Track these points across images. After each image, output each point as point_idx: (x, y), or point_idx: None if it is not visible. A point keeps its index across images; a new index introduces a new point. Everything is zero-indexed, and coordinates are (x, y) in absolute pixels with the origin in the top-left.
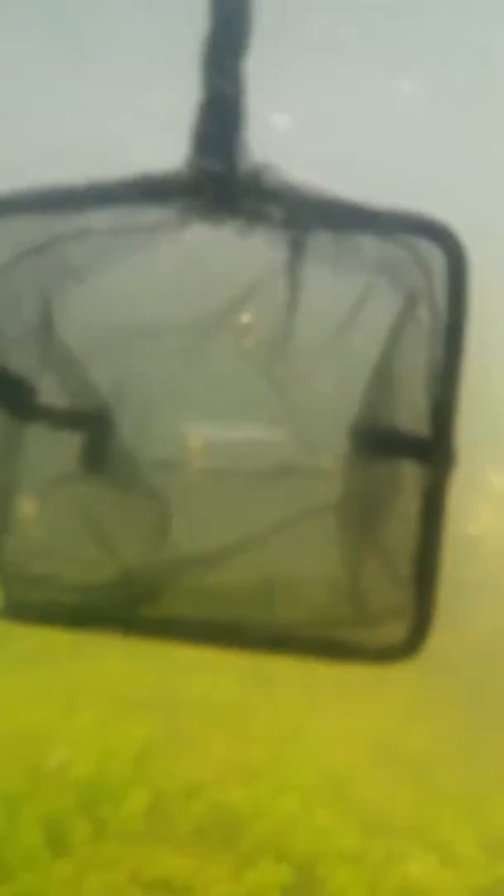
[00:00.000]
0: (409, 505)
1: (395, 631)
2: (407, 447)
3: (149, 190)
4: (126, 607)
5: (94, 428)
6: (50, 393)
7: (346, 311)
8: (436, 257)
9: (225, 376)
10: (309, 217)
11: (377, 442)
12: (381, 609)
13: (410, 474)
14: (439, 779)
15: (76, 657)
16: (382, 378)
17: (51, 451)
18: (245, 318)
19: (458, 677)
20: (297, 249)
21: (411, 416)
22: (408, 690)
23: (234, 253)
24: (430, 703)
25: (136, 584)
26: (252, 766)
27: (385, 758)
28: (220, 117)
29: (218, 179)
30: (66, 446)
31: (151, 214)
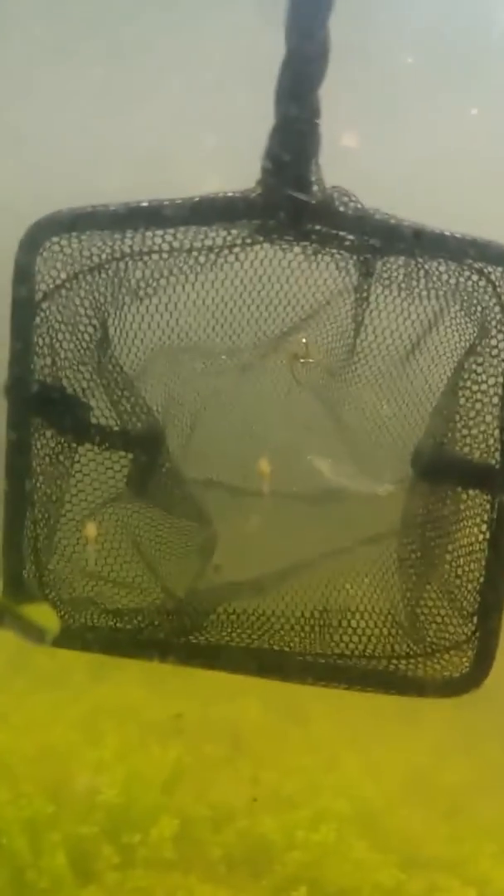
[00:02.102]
0: (473, 535)
1: (457, 664)
2: (475, 476)
3: (218, 211)
4: (171, 633)
5: (144, 449)
6: (102, 413)
7: (413, 336)
8: None
9: (280, 398)
10: (380, 242)
11: (443, 469)
12: (441, 641)
13: (475, 503)
14: (478, 813)
15: (96, 680)
16: (450, 405)
17: (101, 471)
18: (304, 339)
19: (496, 710)
20: (366, 273)
21: (480, 445)
22: (444, 722)
23: (301, 275)
24: (467, 736)
25: (181, 610)
26: (283, 796)
27: (422, 791)
28: (295, 142)
29: (289, 202)
30: (116, 466)
31: (218, 235)
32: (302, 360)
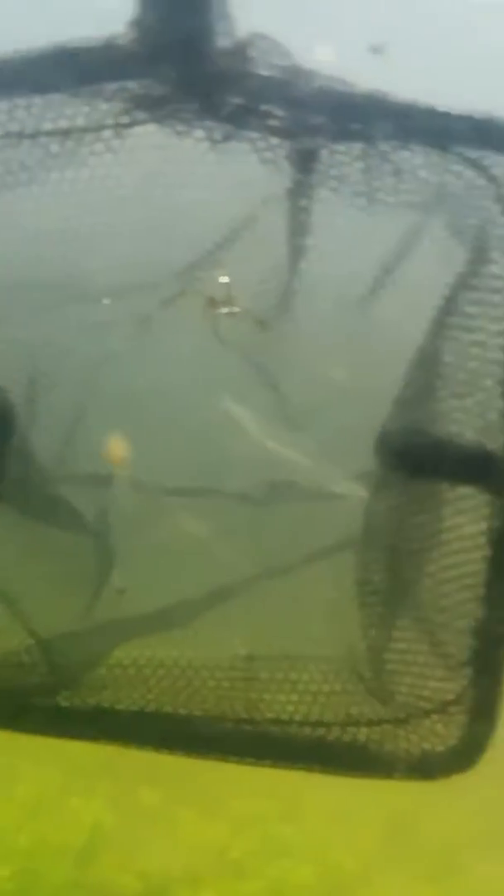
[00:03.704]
0: (465, 549)
1: (441, 734)
2: (468, 465)
3: (73, 70)
4: (37, 692)
5: None
6: None
7: (376, 267)
8: None
9: (192, 361)
10: (326, 120)
11: (422, 457)
12: (419, 702)
13: (469, 505)
14: (471, 873)
15: None
16: (430, 366)
17: None
18: (223, 277)
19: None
20: (305, 169)
21: (475, 421)
22: None
23: (207, 174)
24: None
25: (52, 660)
26: (231, 861)
27: (403, 845)
28: None
29: (181, 53)
30: None
31: (79, 110)
32: (223, 309)
